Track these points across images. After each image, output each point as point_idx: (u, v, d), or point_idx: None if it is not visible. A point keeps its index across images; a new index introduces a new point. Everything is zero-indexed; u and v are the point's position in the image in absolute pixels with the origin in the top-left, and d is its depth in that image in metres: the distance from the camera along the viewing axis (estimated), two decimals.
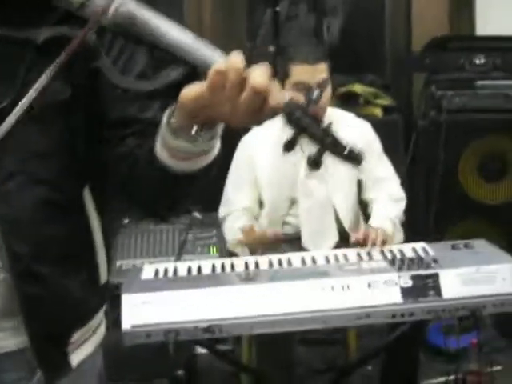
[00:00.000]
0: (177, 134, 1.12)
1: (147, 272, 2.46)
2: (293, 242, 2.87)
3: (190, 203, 1.35)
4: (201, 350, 3.27)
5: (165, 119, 1.14)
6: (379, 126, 3.74)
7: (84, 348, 1.43)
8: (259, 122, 1.06)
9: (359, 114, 3.65)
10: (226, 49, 1.06)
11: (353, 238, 2.65)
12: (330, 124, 1.10)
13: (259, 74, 1.01)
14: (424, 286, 2.22)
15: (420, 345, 2.98)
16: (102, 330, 1.51)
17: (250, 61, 1.04)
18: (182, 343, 2.65)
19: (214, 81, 1.02)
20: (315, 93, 1.07)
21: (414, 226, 3.97)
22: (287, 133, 2.89)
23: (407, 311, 2.21)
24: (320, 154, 1.12)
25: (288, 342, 2.73)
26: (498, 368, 3.39)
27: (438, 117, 3.85)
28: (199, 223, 3.74)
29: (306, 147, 2.89)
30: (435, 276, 2.23)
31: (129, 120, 1.29)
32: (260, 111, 1.02)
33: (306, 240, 2.93)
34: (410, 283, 2.22)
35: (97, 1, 1.09)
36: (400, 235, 2.89)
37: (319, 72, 2.74)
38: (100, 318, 1.48)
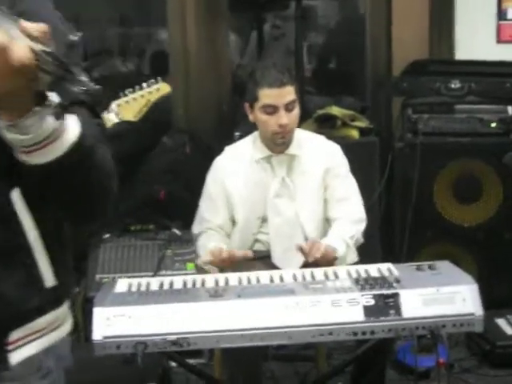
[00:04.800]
0: (8, 129, 1.20)
1: (121, 286, 2.53)
2: (264, 259, 2.93)
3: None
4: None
5: None
6: (356, 148, 3.83)
7: (26, 349, 1.43)
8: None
9: (336, 136, 3.73)
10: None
11: (297, 246, 2.72)
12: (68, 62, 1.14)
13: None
14: (385, 305, 2.29)
15: (385, 363, 3.03)
16: (55, 335, 1.49)
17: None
18: (156, 356, 2.73)
19: None
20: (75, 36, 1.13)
21: (389, 246, 4.05)
22: (258, 152, 2.98)
23: (368, 329, 2.28)
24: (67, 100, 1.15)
25: (256, 357, 2.79)
26: None
27: (413, 139, 3.94)
28: (178, 239, 3.83)
29: (278, 168, 2.98)
30: (396, 296, 2.30)
31: None
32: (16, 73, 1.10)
33: (275, 257, 2.99)
34: (371, 302, 2.29)
35: None
36: (353, 256, 2.93)
37: (285, 94, 2.85)
38: (48, 321, 1.47)
